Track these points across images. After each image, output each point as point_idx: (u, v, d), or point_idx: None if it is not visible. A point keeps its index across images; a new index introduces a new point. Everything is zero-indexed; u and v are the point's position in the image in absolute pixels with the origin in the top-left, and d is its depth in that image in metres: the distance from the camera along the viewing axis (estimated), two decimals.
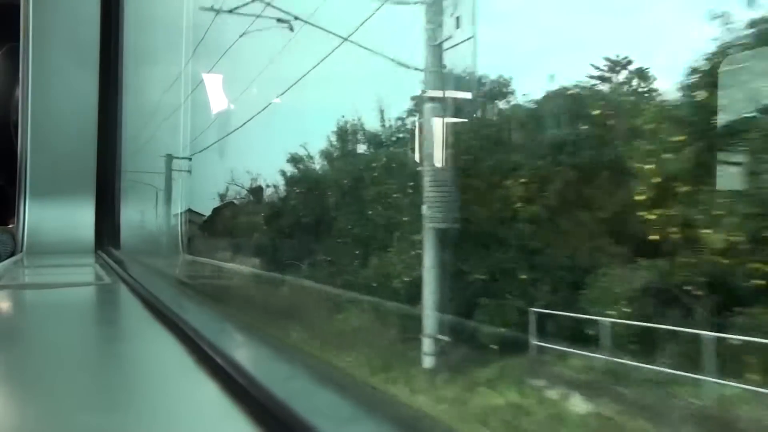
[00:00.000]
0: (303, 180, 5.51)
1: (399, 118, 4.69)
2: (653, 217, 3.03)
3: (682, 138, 2.94)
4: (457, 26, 3.43)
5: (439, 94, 3.52)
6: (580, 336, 3.01)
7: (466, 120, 3.81)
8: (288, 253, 5.12)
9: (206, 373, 1.04)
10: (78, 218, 3.54)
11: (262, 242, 5.78)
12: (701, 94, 2.87)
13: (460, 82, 3.63)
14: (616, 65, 3.84)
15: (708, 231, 2.78)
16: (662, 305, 2.86)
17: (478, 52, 3.44)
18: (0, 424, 0.87)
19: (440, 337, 3.23)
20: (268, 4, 4.37)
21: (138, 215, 5.49)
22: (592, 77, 3.86)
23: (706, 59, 2.88)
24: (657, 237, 3.02)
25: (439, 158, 3.44)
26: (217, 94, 5.08)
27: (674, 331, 2.74)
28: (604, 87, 3.82)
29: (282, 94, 4.70)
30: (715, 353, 2.59)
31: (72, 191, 3.56)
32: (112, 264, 2.91)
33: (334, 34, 3.87)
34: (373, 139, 4.95)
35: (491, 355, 3.14)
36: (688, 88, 3.02)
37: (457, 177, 3.45)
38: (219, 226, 6.36)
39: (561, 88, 3.81)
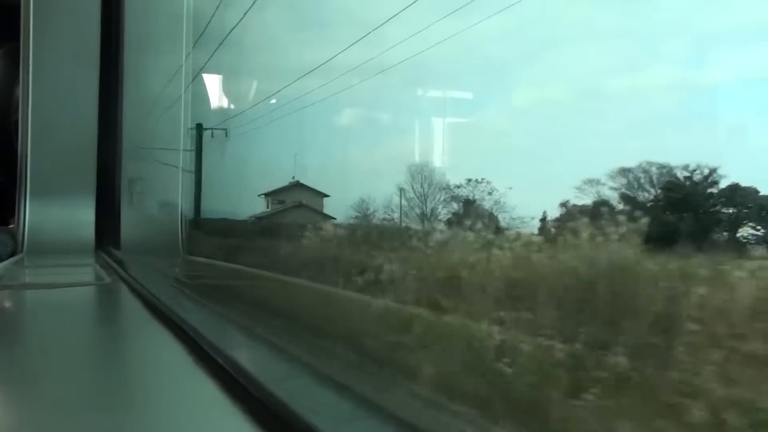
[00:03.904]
0: None
1: None
2: None
3: None
4: None
5: None
6: None
7: None
8: None
9: (206, 373, 1.04)
10: (78, 218, 3.54)
11: None
12: None
13: None
14: None
15: None
16: None
17: None
18: (0, 424, 0.87)
19: None
20: None
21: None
22: None
23: None
24: None
25: None
26: None
27: None
28: None
29: None
30: None
31: (72, 190, 3.56)
32: (112, 264, 2.91)
33: None
34: None
35: None
36: None
37: None
38: None
39: None
